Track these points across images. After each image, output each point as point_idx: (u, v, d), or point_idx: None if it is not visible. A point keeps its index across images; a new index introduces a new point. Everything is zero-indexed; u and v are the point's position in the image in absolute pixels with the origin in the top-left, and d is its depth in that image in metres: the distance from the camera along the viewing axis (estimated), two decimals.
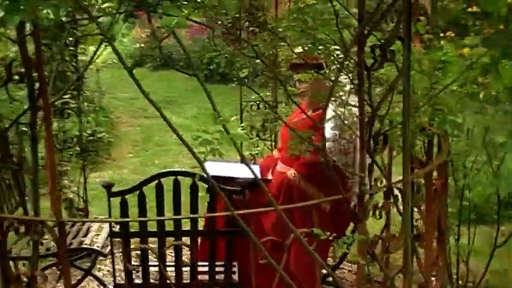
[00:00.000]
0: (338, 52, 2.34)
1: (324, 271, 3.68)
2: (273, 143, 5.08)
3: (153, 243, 3.33)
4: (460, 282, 3.66)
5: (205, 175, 1.64)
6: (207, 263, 3.33)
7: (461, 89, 2.40)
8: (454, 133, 2.73)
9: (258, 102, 5.02)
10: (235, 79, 6.44)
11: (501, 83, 2.13)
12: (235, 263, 3.42)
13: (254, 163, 4.13)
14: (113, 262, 3.45)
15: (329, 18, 2.25)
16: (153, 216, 3.26)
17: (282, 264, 2.34)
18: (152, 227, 3.27)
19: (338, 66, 2.36)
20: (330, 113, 2.70)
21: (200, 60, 10.95)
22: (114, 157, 7.91)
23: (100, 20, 1.81)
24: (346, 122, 2.55)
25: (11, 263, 2.27)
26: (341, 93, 2.55)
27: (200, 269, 3.34)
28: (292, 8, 2.40)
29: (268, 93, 5.03)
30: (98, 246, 3.73)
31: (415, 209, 2.61)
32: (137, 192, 3.14)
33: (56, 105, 4.20)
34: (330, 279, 3.90)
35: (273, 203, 1.87)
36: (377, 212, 2.27)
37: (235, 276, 3.39)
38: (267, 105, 4.87)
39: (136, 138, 8.90)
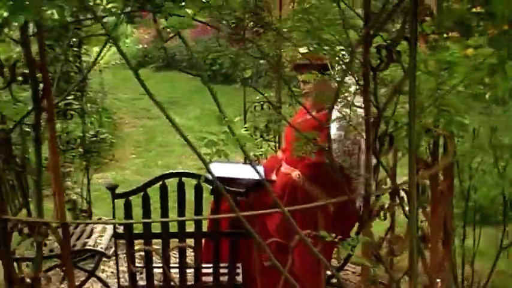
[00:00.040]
0: (343, 53, 2.32)
1: (328, 272, 3.66)
2: (277, 144, 5.07)
3: (156, 244, 3.32)
4: (465, 283, 3.64)
5: (209, 176, 1.63)
6: (211, 265, 3.32)
7: (466, 90, 2.39)
8: (459, 134, 2.71)
9: (261, 103, 5.01)
10: (238, 80, 6.44)
11: (508, 83, 2.12)
12: (239, 265, 3.41)
13: (258, 164, 4.12)
14: (117, 264, 3.44)
15: (334, 19, 2.23)
16: (157, 217, 3.25)
17: (287, 266, 2.32)
18: (156, 228, 3.26)
19: (343, 66, 2.34)
20: (334, 113, 2.69)
21: (203, 61, 10.95)
22: (117, 158, 7.90)
23: (104, 20, 1.80)
24: (351, 123, 2.53)
25: (14, 264, 2.26)
26: (346, 94, 2.53)
27: (204, 270, 3.33)
28: (296, 8, 2.38)
29: (272, 94, 5.01)
30: (101, 248, 3.72)
31: (420, 211, 2.59)
32: (141, 193, 3.12)
33: (59, 106, 4.20)
34: (334, 280, 3.88)
35: (278, 204, 1.86)
36: (381, 214, 2.26)
37: (240, 278, 3.38)
38: (271, 106, 4.86)
39: (139, 139, 8.90)
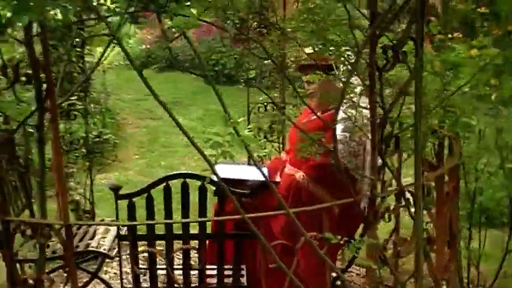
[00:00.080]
0: (349, 53, 2.30)
1: (332, 274, 3.64)
2: (281, 145, 5.06)
3: (160, 246, 3.30)
4: (470, 286, 3.62)
5: (213, 177, 1.62)
6: (215, 266, 3.31)
7: (472, 91, 2.37)
8: (465, 135, 2.69)
9: (265, 103, 5.00)
10: (242, 80, 6.43)
11: None
12: (243, 266, 3.39)
13: (261, 165, 4.11)
14: (120, 265, 3.42)
15: (339, 19, 2.22)
16: (160, 218, 3.23)
17: (292, 268, 2.31)
18: (160, 229, 3.25)
19: (349, 67, 2.33)
20: (340, 114, 2.67)
21: (206, 61, 10.96)
22: (120, 159, 7.90)
23: (108, 20, 1.79)
24: (356, 124, 2.52)
25: (17, 265, 2.25)
26: (351, 95, 2.51)
27: (208, 272, 3.31)
28: (301, 8, 2.37)
29: (276, 95, 5.00)
30: (104, 249, 3.71)
31: (425, 212, 2.57)
32: (145, 194, 3.11)
33: (62, 107, 4.19)
34: (338, 282, 3.87)
35: (283, 206, 1.85)
36: (386, 215, 2.24)
37: (244, 280, 3.36)
38: (275, 107, 4.85)
39: (142, 139, 8.90)
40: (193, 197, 3.16)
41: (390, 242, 2.49)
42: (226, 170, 3.50)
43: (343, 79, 2.45)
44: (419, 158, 2.08)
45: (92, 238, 3.87)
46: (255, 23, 2.79)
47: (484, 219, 4.07)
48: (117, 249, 3.47)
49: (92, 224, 4.20)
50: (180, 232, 3.20)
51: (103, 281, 4.03)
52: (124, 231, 3.44)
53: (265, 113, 5.02)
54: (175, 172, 3.25)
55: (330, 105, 3.26)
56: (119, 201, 3.10)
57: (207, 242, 3.39)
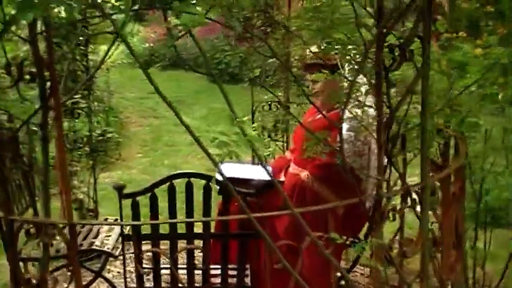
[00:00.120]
0: (354, 52, 2.28)
1: (337, 273, 3.63)
2: (285, 144, 5.04)
3: (164, 245, 3.29)
4: (476, 286, 3.60)
5: (218, 177, 1.60)
6: (219, 266, 3.29)
7: (478, 90, 2.35)
8: (471, 135, 2.67)
9: (269, 102, 4.98)
10: (246, 79, 6.42)
11: None
12: (247, 266, 3.37)
13: (266, 164, 4.09)
14: (124, 264, 3.41)
15: (345, 17, 2.20)
16: (164, 218, 3.22)
17: (297, 268, 2.30)
18: (164, 229, 3.23)
19: (355, 66, 2.31)
20: (345, 114, 2.65)
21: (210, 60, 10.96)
22: (123, 157, 7.88)
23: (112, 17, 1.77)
24: (362, 123, 2.50)
25: (21, 264, 2.24)
26: (357, 94, 2.50)
27: (212, 272, 3.30)
28: (307, 6, 2.35)
29: (280, 94, 4.98)
30: (108, 248, 3.70)
31: (431, 212, 2.55)
32: (149, 194, 3.09)
33: (66, 105, 4.18)
34: (342, 282, 3.85)
35: (288, 205, 1.83)
36: (391, 215, 2.22)
37: (248, 280, 3.34)
38: (279, 106, 4.83)
39: (145, 138, 8.89)
40: (198, 196, 3.15)
41: (396, 241, 2.47)
42: (231, 169, 3.48)
43: (348, 78, 2.43)
44: (426, 159, 2.06)
45: (95, 237, 3.86)
46: (260, 21, 2.77)
47: (490, 219, 4.05)
48: (120, 248, 3.45)
49: (96, 224, 4.19)
50: (184, 231, 3.19)
51: (106, 280, 4.02)
52: (128, 230, 3.43)
53: (269, 111, 5.00)
54: (179, 171, 3.24)
55: (335, 105, 3.24)
56: (122, 200, 3.09)
57: (211, 241, 3.38)
